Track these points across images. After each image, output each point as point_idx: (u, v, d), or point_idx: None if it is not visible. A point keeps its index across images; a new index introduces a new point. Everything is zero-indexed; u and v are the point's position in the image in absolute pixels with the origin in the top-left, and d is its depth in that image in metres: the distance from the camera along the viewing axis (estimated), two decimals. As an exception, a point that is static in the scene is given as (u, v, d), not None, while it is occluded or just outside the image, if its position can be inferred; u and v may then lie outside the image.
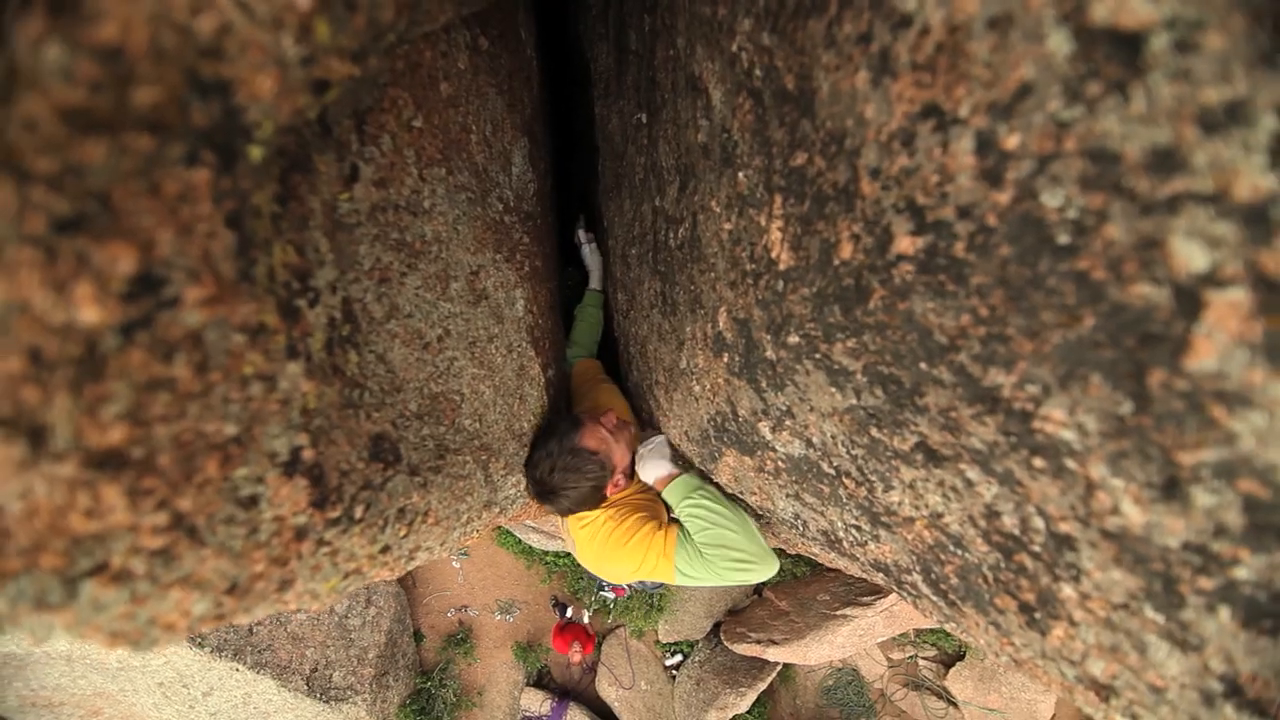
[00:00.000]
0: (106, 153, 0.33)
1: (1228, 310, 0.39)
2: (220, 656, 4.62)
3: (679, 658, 6.55)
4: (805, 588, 6.09)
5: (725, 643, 6.19)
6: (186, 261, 0.41)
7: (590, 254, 2.22)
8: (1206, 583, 0.55)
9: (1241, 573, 0.51)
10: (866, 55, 0.54)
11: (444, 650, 6.31)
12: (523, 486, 1.66)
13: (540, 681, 6.49)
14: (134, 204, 0.36)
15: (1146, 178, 0.39)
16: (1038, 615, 0.82)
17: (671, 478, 1.63)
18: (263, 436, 0.60)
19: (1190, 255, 0.39)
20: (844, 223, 0.66)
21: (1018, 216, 0.47)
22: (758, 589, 6.56)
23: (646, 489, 1.75)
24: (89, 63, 0.29)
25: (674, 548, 1.55)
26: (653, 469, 1.66)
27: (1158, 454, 0.49)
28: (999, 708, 6.90)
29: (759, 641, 6.05)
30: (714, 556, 1.50)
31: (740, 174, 0.88)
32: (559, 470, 1.57)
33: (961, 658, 7.15)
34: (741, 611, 6.48)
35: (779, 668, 6.40)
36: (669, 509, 1.65)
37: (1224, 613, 0.56)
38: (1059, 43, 0.39)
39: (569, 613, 6.27)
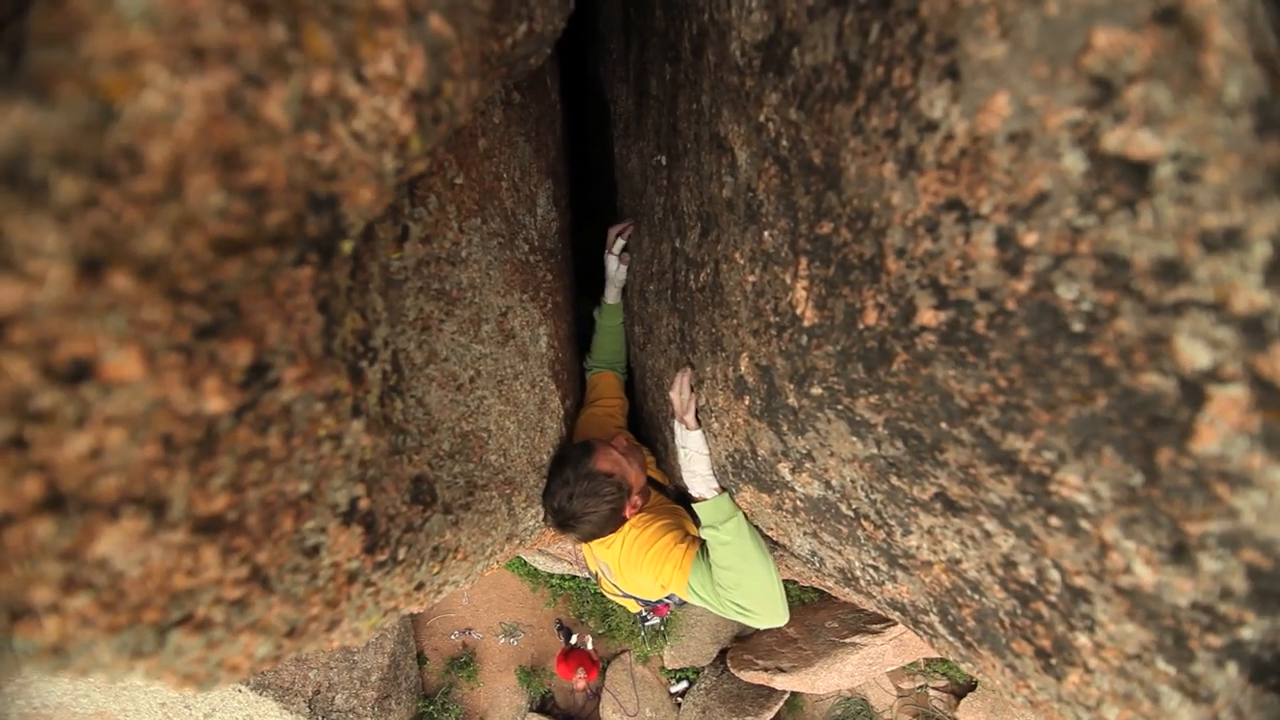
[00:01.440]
0: (241, 268, 0.38)
1: (1228, 404, 0.43)
2: (223, 677, 4.56)
3: (684, 685, 6.47)
4: (814, 614, 6.04)
5: (732, 670, 6.11)
6: (288, 347, 0.46)
7: (617, 267, 2.01)
8: (1215, 640, 0.58)
9: (1247, 633, 0.55)
10: (894, 149, 0.59)
11: (447, 673, 6.26)
12: (542, 518, 1.69)
13: (544, 707, 6.42)
14: (254, 305, 0.41)
15: (1154, 283, 0.43)
16: (1053, 661, 0.84)
17: (711, 493, 1.56)
18: (328, 490, 0.64)
19: (1194, 353, 0.43)
20: (869, 291, 0.70)
21: (1035, 303, 0.52)
22: (765, 615, 6.49)
23: (666, 501, 1.75)
24: (240, 202, 0.34)
25: (691, 563, 1.56)
26: (698, 483, 1.56)
27: (1167, 522, 0.53)
28: (1010, 741, 6.77)
29: (766, 669, 5.98)
30: (726, 595, 1.50)
31: (765, 233, 0.93)
32: (577, 497, 1.57)
33: (973, 688, 7.03)
34: (748, 638, 6.41)
35: (786, 696, 6.31)
36: (697, 521, 1.61)
37: (1232, 669, 0.59)
38: (1074, 162, 0.44)
39: (574, 638, 6.22)
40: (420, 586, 1.00)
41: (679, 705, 6.42)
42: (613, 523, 1.64)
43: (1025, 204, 0.49)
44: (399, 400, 0.89)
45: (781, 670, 5.76)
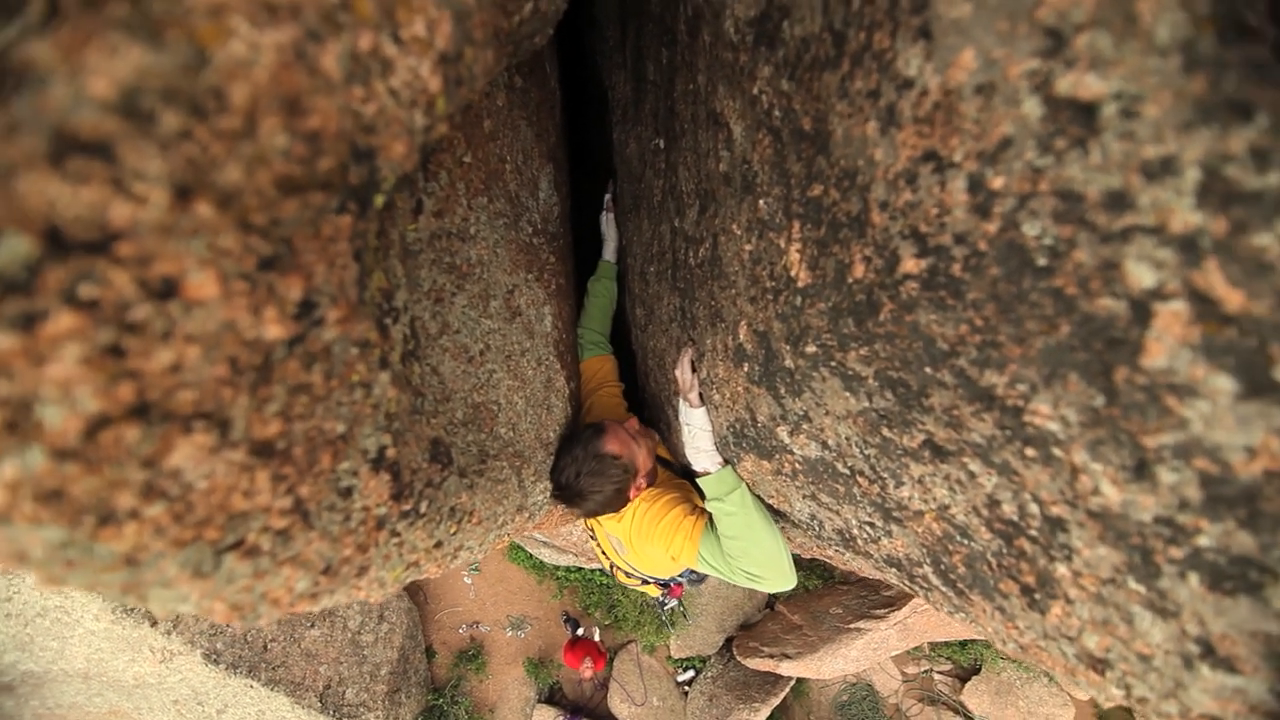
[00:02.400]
0: (297, 208, 0.43)
1: (1172, 319, 0.48)
2: (235, 674, 4.65)
3: (691, 673, 6.54)
4: (818, 601, 6.10)
5: (738, 657, 6.18)
6: (330, 289, 0.52)
7: (608, 223, 2.27)
8: (1176, 552, 0.63)
9: (1203, 540, 0.60)
10: (875, 108, 0.64)
11: (456, 667, 6.33)
12: (550, 494, 1.75)
13: (552, 698, 6.49)
14: (305, 245, 0.46)
15: (1104, 213, 0.49)
16: (1038, 596, 0.90)
17: (715, 467, 1.63)
18: (359, 435, 0.69)
19: (1141, 275, 0.48)
20: (857, 246, 0.76)
21: (1004, 243, 0.57)
22: (770, 603, 6.57)
23: (673, 477, 1.81)
24: (300, 144, 0.39)
25: (700, 534, 1.62)
26: (702, 459, 1.63)
27: (1127, 439, 0.58)
28: (1015, 722, 6.84)
29: (772, 656, 6.04)
30: (735, 563, 1.56)
31: (760, 201, 0.98)
32: (584, 475, 1.63)
33: (977, 671, 7.11)
34: (754, 626, 6.48)
35: (792, 682, 6.38)
36: (702, 495, 1.68)
37: (1193, 579, 0.64)
38: (1032, 107, 0.49)
39: (580, 629, 6.28)
40: (439, 545, 1.06)
41: (686, 694, 6.49)
42: (616, 502, 1.70)
43: (991, 150, 0.54)
44: (416, 365, 0.95)
45: (787, 657, 5.83)
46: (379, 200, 0.55)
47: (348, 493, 0.71)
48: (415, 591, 6.33)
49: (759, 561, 1.53)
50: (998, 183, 0.55)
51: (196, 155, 0.34)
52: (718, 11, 1.00)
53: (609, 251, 2.27)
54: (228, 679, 4.67)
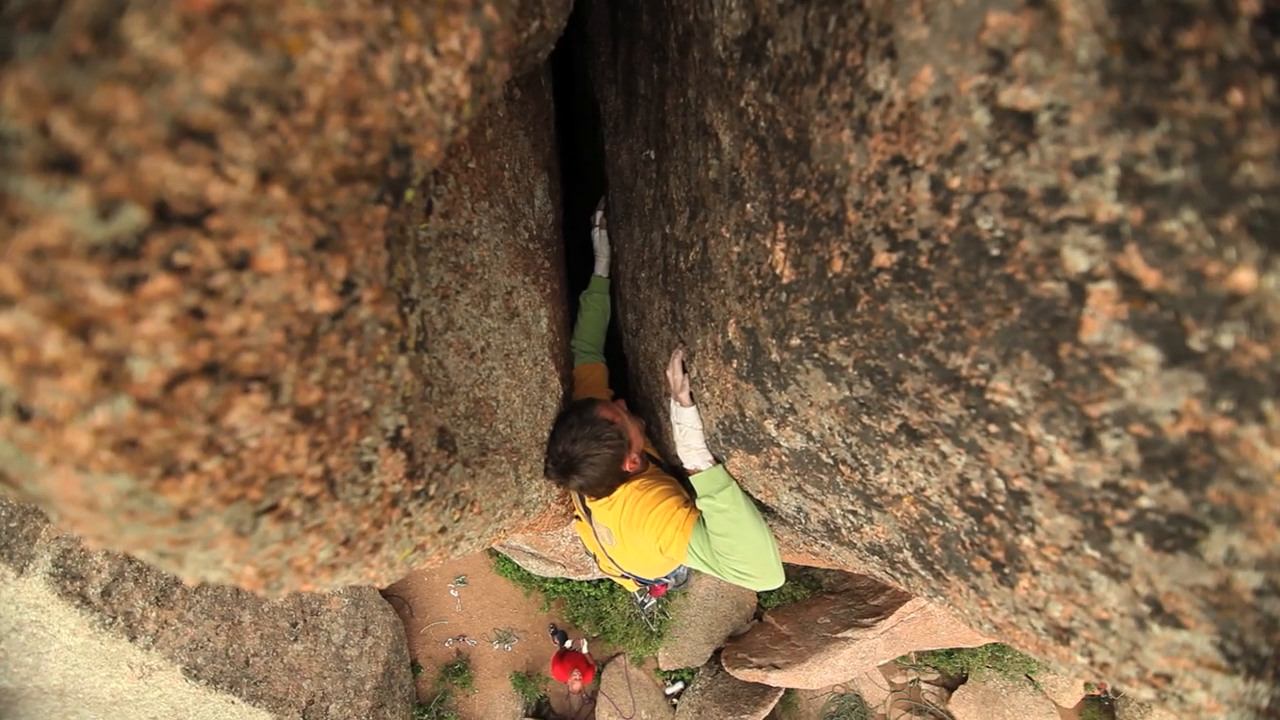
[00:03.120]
0: (348, 195, 0.49)
1: (1103, 297, 0.56)
2: (216, 689, 4.57)
3: (680, 685, 6.53)
4: (806, 611, 6.15)
5: (726, 669, 6.19)
6: (367, 271, 0.58)
7: (600, 239, 2.31)
8: (1123, 514, 0.71)
9: (1145, 501, 0.67)
10: (850, 118, 0.72)
11: (441, 681, 6.26)
12: (544, 492, 1.80)
13: (539, 711, 6.43)
14: (350, 229, 0.53)
15: (1044, 207, 0.56)
16: (1007, 570, 0.97)
17: (706, 465, 1.66)
18: (380, 413, 0.75)
19: (1076, 260, 0.56)
20: (835, 243, 0.83)
21: (962, 235, 0.65)
22: (758, 613, 6.59)
23: (663, 471, 1.85)
24: (356, 139, 0.46)
25: (691, 528, 1.66)
26: (693, 456, 1.66)
27: (1075, 410, 0.66)
28: (1001, 731, 6.90)
29: (760, 667, 6.05)
30: (722, 559, 1.59)
31: (748, 205, 1.06)
32: (580, 440, 1.65)
33: (964, 680, 7.17)
34: (742, 637, 6.50)
35: (781, 693, 6.39)
36: (693, 493, 1.71)
37: (1139, 539, 0.71)
38: (981, 116, 0.57)
39: (568, 642, 6.26)
40: (443, 530, 1.11)
41: (674, 706, 6.47)
42: (613, 473, 1.71)
43: (949, 153, 0.62)
44: (426, 356, 1.00)
45: (776, 667, 5.85)
46: (410, 194, 0.61)
47: (369, 467, 0.76)
48: (401, 605, 6.27)
49: (748, 558, 1.56)
50: (955, 182, 0.62)
51: (278, 145, 0.40)
52: (707, 31, 1.09)
53: (601, 267, 2.31)
54: (208, 695, 4.59)
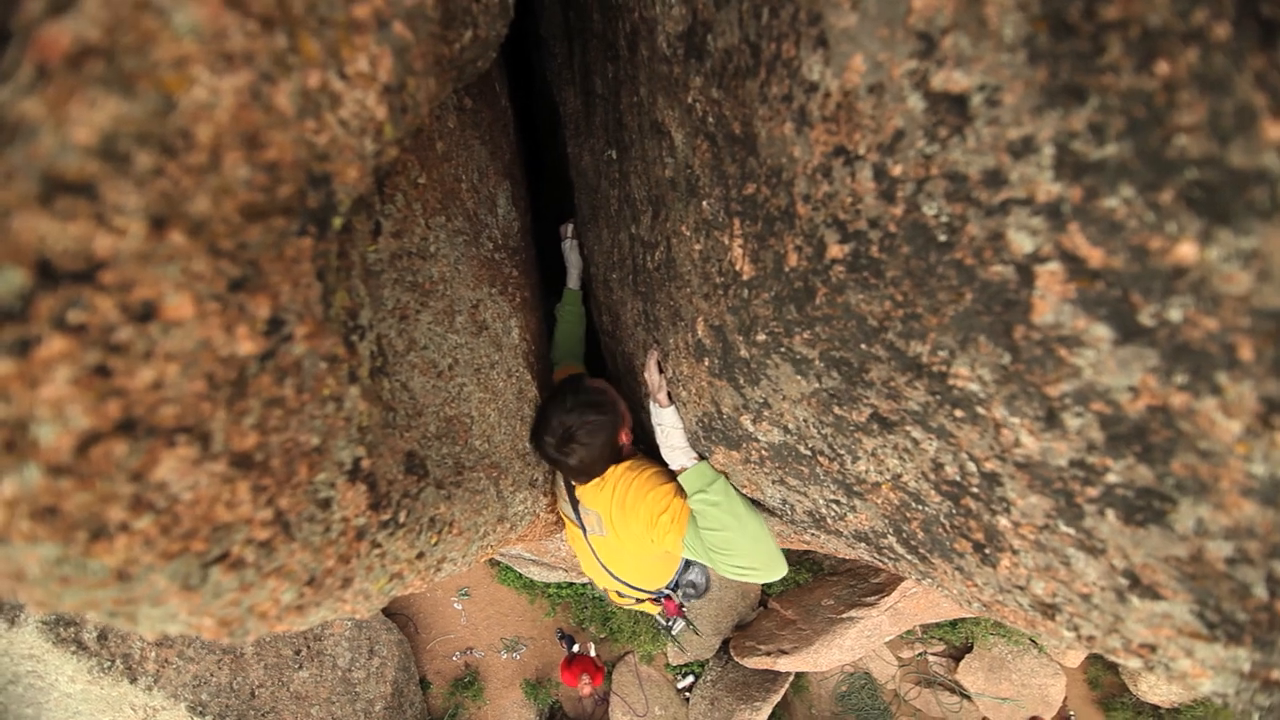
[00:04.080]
0: (261, 232, 0.47)
1: (1050, 278, 0.55)
2: (223, 724, 4.51)
3: (691, 679, 6.54)
4: (809, 594, 6.18)
5: (735, 658, 6.21)
6: (296, 306, 0.56)
7: (570, 249, 2.26)
8: (1092, 491, 0.70)
9: (1112, 477, 0.67)
10: (790, 110, 0.71)
11: (452, 695, 6.23)
12: (531, 503, 1.78)
13: (553, 717, 6.43)
14: (270, 266, 0.50)
15: (985, 190, 0.55)
16: (988, 551, 0.97)
17: (691, 462, 1.62)
18: (334, 448, 0.73)
19: (1021, 241, 0.55)
20: (789, 237, 0.82)
21: (909, 223, 0.64)
22: (763, 600, 6.62)
23: (644, 453, 1.81)
24: (260, 174, 0.43)
25: (686, 522, 1.58)
26: (678, 456, 1.62)
27: (1035, 391, 0.65)
28: (1011, 696, 6.99)
29: (769, 653, 6.09)
30: (717, 556, 1.53)
31: (704, 202, 1.05)
32: (576, 409, 1.59)
33: (970, 649, 7.25)
34: (749, 625, 6.52)
35: (791, 678, 6.43)
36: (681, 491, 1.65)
37: (1110, 515, 0.71)
38: (915, 102, 0.56)
39: (576, 645, 6.25)
40: (421, 556, 1.09)
41: (688, 700, 6.49)
42: (610, 444, 1.64)
43: (888, 141, 0.60)
44: (386, 380, 0.98)
45: (784, 652, 5.88)
46: (337, 222, 0.59)
47: (326, 504, 0.74)
48: (405, 623, 6.23)
49: (748, 551, 1.50)
50: (897, 170, 0.61)
51: (169, 189, 0.38)
52: (651, 28, 1.07)
53: (573, 279, 2.25)
54: (216, 730, 4.53)
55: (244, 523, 0.61)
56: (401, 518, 0.94)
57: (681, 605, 2.20)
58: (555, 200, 2.58)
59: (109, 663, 3.70)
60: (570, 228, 2.28)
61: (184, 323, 0.44)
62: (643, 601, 2.21)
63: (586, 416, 1.60)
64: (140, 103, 0.34)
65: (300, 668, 4.89)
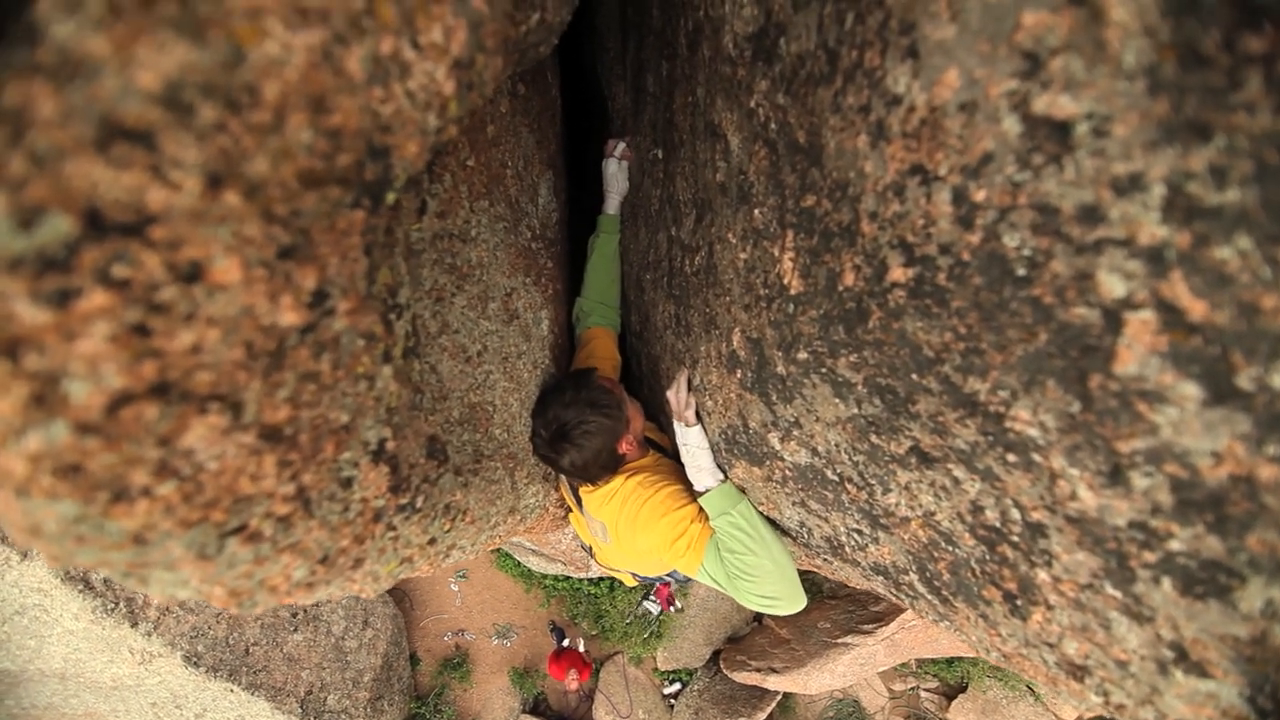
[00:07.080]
0: (316, 200, 0.45)
1: (1141, 327, 0.51)
2: (215, 677, 4.58)
3: (677, 686, 6.50)
4: (806, 615, 6.09)
5: (725, 671, 6.15)
6: (342, 280, 0.54)
7: (618, 170, 1.87)
8: (1150, 556, 0.66)
9: (1175, 544, 0.62)
10: (866, 123, 0.67)
11: (440, 674, 6.26)
12: (542, 496, 1.76)
13: (537, 708, 6.42)
14: (321, 237, 0.48)
15: (1078, 226, 0.52)
16: (1019, 602, 0.92)
17: (717, 482, 1.54)
18: (361, 427, 0.71)
19: (1112, 285, 0.51)
20: (847, 255, 0.78)
21: (986, 253, 0.60)
22: (758, 616, 6.55)
23: (666, 458, 1.70)
24: (323, 140, 0.41)
25: (705, 546, 1.51)
26: (704, 477, 1.53)
27: (1102, 444, 0.61)
28: (1001, 741, 6.83)
29: (759, 670, 6.02)
30: (741, 583, 1.46)
31: (756, 211, 1.01)
32: (574, 405, 1.48)
33: (964, 689, 7.10)
34: (741, 639, 6.46)
35: (779, 697, 6.35)
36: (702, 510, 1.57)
37: (1166, 583, 0.67)
38: (1011, 124, 0.52)
39: (566, 640, 6.24)
40: (433, 541, 1.07)
41: (672, 707, 6.44)
42: (608, 451, 1.53)
43: (974, 164, 0.57)
44: (416, 362, 0.96)
45: (774, 671, 5.81)
46: (390, 197, 0.57)
47: (348, 483, 0.72)
48: (401, 598, 6.27)
49: (772, 578, 1.43)
50: (980, 195, 0.58)
51: (229, 146, 0.36)
52: (717, 27, 1.04)
53: (613, 204, 1.90)
54: (208, 682, 4.59)
55: (266, 496, 0.59)
56: (419, 502, 0.92)
57: (672, 597, 2.12)
58: (593, 198, 2.56)
59: (113, 605, 3.77)
60: (622, 146, 1.89)
61: (230, 287, 0.42)
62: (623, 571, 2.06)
63: (585, 416, 1.49)
64: (210, 51, 0.32)
65: (295, 630, 4.94)
